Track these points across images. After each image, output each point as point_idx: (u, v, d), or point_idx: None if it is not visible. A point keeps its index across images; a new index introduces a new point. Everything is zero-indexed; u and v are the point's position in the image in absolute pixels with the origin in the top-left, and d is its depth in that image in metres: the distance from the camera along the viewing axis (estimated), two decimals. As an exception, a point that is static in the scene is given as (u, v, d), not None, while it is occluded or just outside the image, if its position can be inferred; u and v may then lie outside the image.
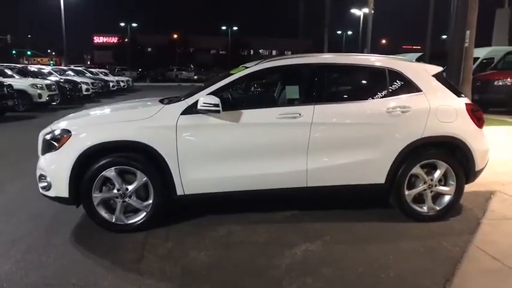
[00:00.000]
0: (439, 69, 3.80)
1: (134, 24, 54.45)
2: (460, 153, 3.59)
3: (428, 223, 3.57)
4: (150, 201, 3.33)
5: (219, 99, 3.18)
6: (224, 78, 3.49)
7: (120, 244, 3.16)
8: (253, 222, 3.60)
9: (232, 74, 3.58)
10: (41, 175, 3.37)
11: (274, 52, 74.50)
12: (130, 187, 3.31)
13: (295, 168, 3.42)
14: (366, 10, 34.27)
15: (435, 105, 3.54)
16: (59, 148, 3.26)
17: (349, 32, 56.68)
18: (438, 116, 3.52)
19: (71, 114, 3.89)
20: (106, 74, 24.86)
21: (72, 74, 19.26)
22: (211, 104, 3.17)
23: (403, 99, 3.54)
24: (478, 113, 3.67)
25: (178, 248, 3.10)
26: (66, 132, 3.27)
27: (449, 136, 3.53)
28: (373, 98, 3.54)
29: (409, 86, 3.59)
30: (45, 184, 3.35)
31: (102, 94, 19.98)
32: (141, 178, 3.29)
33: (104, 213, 3.33)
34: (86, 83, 17.49)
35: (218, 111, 3.19)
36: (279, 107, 3.47)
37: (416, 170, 3.55)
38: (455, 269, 2.79)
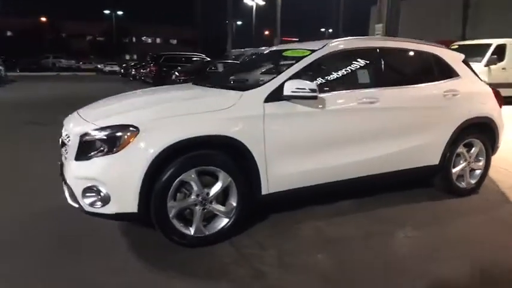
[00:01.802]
0: (463, 56, 4.11)
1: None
2: (490, 131, 3.97)
3: (469, 198, 3.89)
4: (234, 205, 2.84)
5: (315, 84, 2.86)
6: (298, 62, 3.14)
7: (214, 260, 2.62)
8: (326, 216, 3.37)
9: (298, 57, 3.25)
10: (90, 187, 2.56)
11: (158, 40, 71.15)
12: (211, 191, 2.77)
13: (372, 155, 3.33)
14: (258, 1, 35.36)
15: (474, 89, 3.84)
16: (120, 149, 2.52)
17: (239, 22, 57.08)
18: (478, 98, 3.83)
19: (107, 105, 3.07)
20: (-32, 62, 20.27)
21: None
22: (307, 89, 2.82)
23: (451, 83, 3.73)
24: (499, 94, 4.11)
25: (285, 254, 2.72)
26: (131, 129, 2.54)
27: (486, 117, 3.88)
28: (428, 82, 3.66)
29: (450, 71, 3.80)
30: (97, 198, 2.56)
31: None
32: (225, 179, 2.77)
33: (180, 226, 2.72)
34: (-44, 72, 13.98)
35: (315, 97, 2.87)
36: (356, 91, 3.28)
37: (460, 149, 3.82)
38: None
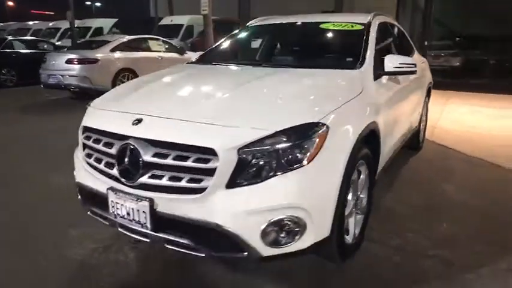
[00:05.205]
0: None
1: None
2: (430, 93, 4.88)
3: (424, 150, 4.72)
4: (365, 197, 2.54)
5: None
6: (367, 36, 2.92)
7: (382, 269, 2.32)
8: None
9: (350, 31, 3.07)
10: (274, 222, 1.76)
11: None
12: (359, 188, 2.39)
13: (410, 124, 3.63)
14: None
15: (423, 58, 4.61)
16: (312, 158, 1.81)
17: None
18: (427, 66, 4.63)
19: (200, 97, 2.05)
20: None
21: None
22: (409, 63, 2.73)
23: (416, 54, 4.34)
24: None
25: (423, 238, 2.67)
26: (319, 128, 1.85)
27: (431, 82, 4.74)
28: (410, 54, 4.13)
29: (411, 44, 4.41)
30: (286, 232, 1.81)
31: None
32: (365, 171, 2.43)
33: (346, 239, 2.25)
34: None
35: (415, 72, 2.81)
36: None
37: (423, 110, 4.56)
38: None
